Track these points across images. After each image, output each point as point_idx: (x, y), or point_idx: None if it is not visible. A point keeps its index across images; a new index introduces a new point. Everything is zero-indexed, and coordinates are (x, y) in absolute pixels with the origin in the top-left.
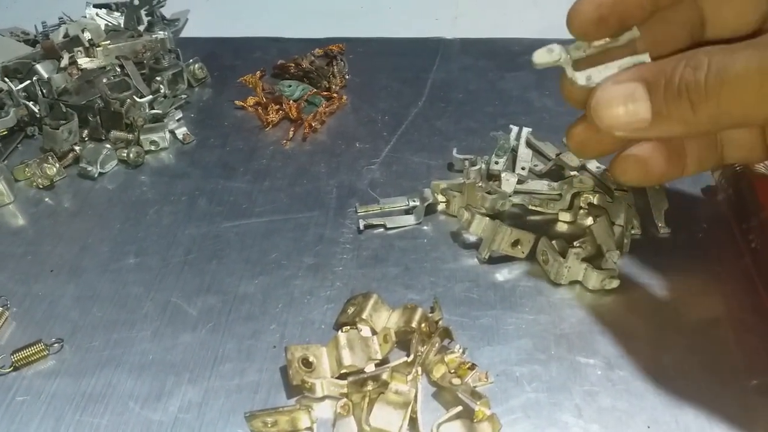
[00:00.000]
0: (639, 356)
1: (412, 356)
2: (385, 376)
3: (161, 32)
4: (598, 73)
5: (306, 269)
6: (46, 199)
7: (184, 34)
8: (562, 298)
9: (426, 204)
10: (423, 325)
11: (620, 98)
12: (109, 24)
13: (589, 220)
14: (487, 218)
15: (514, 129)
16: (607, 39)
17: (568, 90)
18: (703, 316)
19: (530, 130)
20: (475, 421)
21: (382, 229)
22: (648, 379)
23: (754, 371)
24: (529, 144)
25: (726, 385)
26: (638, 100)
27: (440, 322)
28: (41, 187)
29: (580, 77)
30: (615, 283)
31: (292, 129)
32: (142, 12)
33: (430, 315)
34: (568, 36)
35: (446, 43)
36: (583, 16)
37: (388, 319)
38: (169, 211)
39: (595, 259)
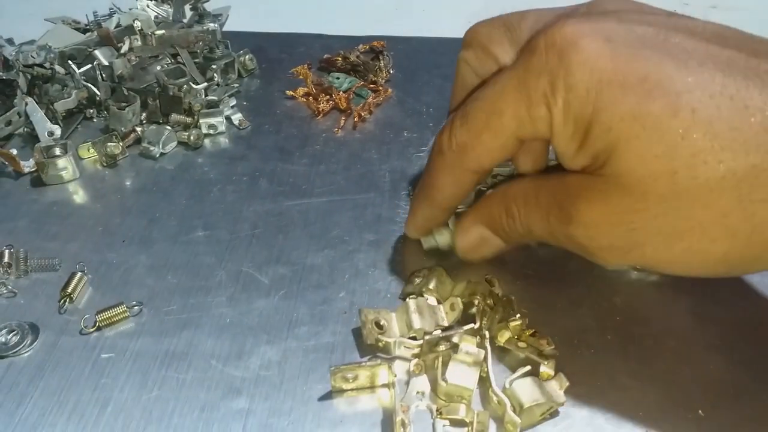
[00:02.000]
0: (687, 328)
1: (478, 324)
2: (455, 339)
3: (211, 24)
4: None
5: (368, 245)
6: (110, 177)
7: (225, 28)
8: (612, 277)
9: (476, 189)
10: (486, 298)
11: (475, 243)
12: (159, 16)
13: None
14: None
15: None
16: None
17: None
18: (740, 297)
19: None
20: (542, 379)
21: None
22: (698, 348)
23: None
24: None
25: None
26: (489, 239)
27: (500, 293)
28: (105, 164)
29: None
30: None
31: (342, 118)
32: (186, 7)
33: (492, 288)
34: None
35: None
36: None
37: (452, 291)
38: (232, 189)
39: None
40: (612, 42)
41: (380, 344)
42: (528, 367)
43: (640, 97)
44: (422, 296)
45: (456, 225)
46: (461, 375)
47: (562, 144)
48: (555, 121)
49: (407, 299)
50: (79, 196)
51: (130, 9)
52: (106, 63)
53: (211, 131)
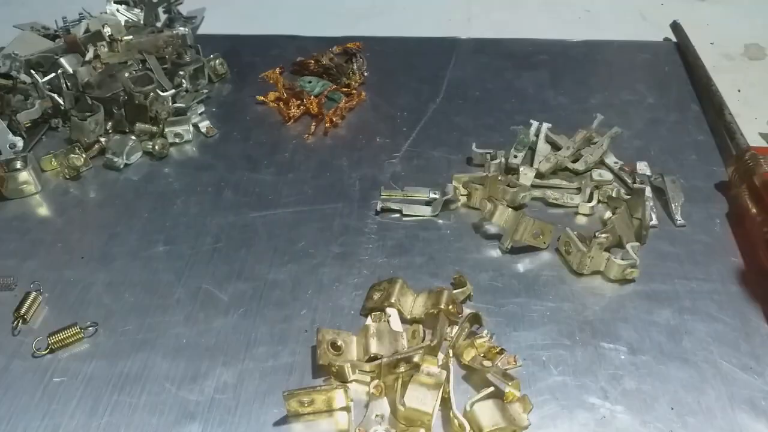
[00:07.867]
0: (661, 341)
1: (437, 339)
2: (416, 359)
3: (182, 28)
4: None
5: (333, 258)
6: (73, 190)
7: (200, 31)
8: (584, 287)
9: (444, 198)
10: (450, 306)
11: None
12: (129, 20)
13: (608, 214)
14: (510, 209)
15: (534, 124)
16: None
17: None
18: (722, 304)
19: (549, 125)
20: (506, 401)
21: (398, 215)
22: (670, 363)
23: None
24: (547, 139)
25: (746, 370)
26: None
27: (471, 294)
28: (67, 177)
29: None
30: (635, 273)
31: (313, 124)
32: (160, 9)
33: (457, 291)
34: (579, 37)
35: (461, 42)
36: None
37: (414, 302)
38: (195, 201)
39: (615, 250)
40: None
41: (333, 368)
42: (491, 388)
43: None
44: (384, 311)
45: None
46: (421, 398)
47: None
48: None
49: (368, 319)
50: (41, 211)
51: (100, 13)
52: (71, 71)
53: (177, 140)
